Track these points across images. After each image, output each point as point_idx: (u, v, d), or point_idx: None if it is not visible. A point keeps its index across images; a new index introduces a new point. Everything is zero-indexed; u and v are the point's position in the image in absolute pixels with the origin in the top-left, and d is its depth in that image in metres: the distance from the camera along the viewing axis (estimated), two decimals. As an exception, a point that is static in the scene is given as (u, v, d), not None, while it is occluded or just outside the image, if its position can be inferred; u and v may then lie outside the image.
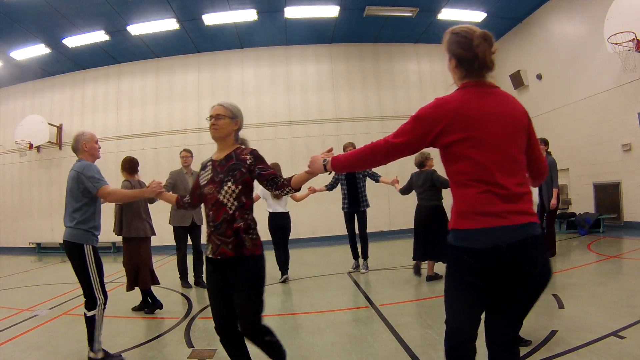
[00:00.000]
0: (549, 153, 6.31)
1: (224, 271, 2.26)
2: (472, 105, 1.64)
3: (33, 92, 12.45)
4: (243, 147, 2.45)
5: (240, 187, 2.27)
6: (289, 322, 4.04)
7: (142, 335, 3.77)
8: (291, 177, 2.35)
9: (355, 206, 6.37)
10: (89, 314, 3.06)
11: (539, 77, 10.44)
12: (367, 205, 6.42)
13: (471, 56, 1.67)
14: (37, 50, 10.53)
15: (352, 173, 6.45)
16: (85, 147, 3.24)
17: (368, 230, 6.49)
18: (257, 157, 2.36)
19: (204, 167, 2.49)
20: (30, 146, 11.69)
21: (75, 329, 4.03)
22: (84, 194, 3.08)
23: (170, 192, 2.74)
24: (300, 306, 4.66)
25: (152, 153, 11.48)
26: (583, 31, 8.94)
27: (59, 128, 12.04)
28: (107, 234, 9.56)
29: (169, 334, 3.76)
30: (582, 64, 9.01)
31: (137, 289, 4.60)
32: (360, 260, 6.48)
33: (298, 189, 2.39)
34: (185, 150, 6.17)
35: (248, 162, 2.32)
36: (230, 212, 2.25)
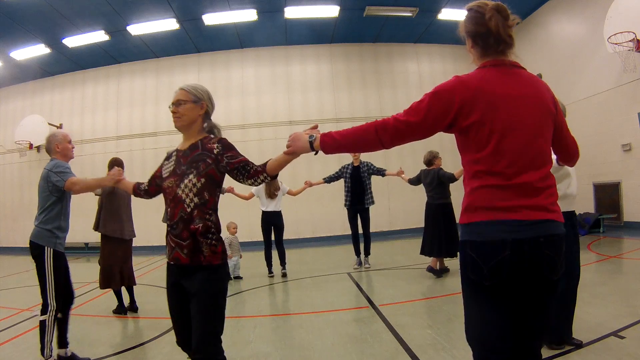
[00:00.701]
0: None
1: (179, 279, 1.96)
2: (494, 85, 1.44)
3: (33, 92, 12.45)
4: (212, 136, 2.14)
5: (203, 180, 1.94)
6: (289, 322, 4.04)
7: (142, 335, 3.77)
8: (266, 162, 2.02)
9: (358, 204, 6.38)
10: (40, 318, 2.98)
11: (539, 77, 10.41)
12: (372, 203, 6.43)
13: (484, 31, 1.51)
14: (37, 50, 10.53)
15: (357, 170, 6.45)
16: (58, 148, 3.25)
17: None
18: (226, 145, 2.06)
19: (168, 157, 2.20)
20: (30, 146, 11.70)
21: (74, 329, 4.02)
22: (52, 192, 3.04)
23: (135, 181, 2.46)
24: (300, 306, 4.66)
25: (152, 153, 11.48)
26: (583, 31, 8.94)
27: (59, 128, 12.02)
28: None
29: (169, 334, 3.76)
30: (582, 64, 9.01)
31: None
32: (362, 256, 6.50)
33: (275, 176, 2.07)
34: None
35: (215, 151, 2.02)
36: (188, 210, 1.92)
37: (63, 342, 3.14)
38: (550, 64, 10.01)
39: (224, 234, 6.03)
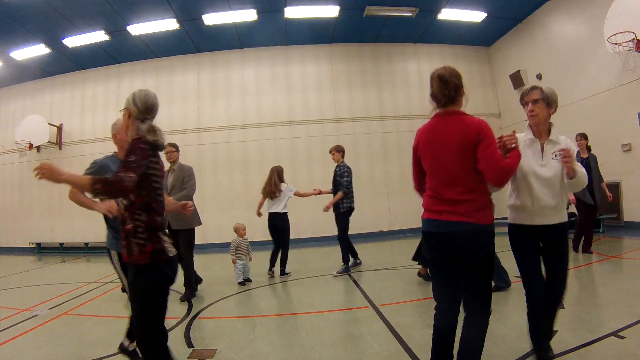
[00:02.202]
0: (588, 148, 6.48)
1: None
2: (427, 133, 2.28)
3: (33, 92, 12.46)
4: (141, 138, 2.13)
5: None
6: (289, 322, 4.04)
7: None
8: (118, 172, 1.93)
9: (334, 207, 6.41)
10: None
11: (539, 77, 10.44)
12: (342, 207, 6.33)
13: (431, 92, 2.28)
14: (37, 50, 10.53)
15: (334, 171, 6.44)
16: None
17: (368, 230, 6.51)
18: (129, 149, 2.05)
19: None
20: (30, 146, 11.70)
21: (75, 329, 4.03)
22: None
23: None
24: (300, 306, 4.66)
25: (152, 153, 11.49)
26: (583, 31, 8.94)
27: (59, 128, 12.04)
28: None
29: (169, 334, 3.76)
30: (582, 64, 9.01)
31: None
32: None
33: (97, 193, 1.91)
34: (169, 144, 5.50)
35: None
36: (122, 212, 2.07)
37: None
38: (550, 64, 10.01)
39: (232, 237, 6.01)
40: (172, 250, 2.15)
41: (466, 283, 2.15)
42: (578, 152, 6.32)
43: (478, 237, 2.09)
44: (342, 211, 6.28)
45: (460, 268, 2.14)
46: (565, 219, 2.56)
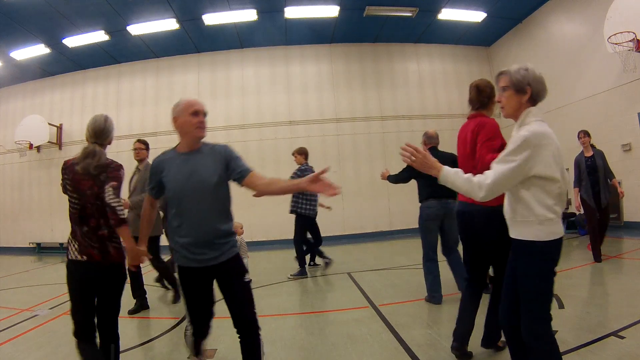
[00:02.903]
0: (592, 145, 6.07)
1: None
2: (459, 132, 2.97)
3: (33, 92, 12.45)
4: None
5: None
6: (289, 322, 4.04)
7: (142, 335, 3.77)
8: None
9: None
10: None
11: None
12: (292, 210, 6.27)
13: (469, 98, 2.93)
14: (37, 50, 10.53)
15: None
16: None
17: (368, 230, 6.48)
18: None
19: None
20: (30, 146, 11.70)
21: (75, 329, 4.03)
22: None
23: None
24: (300, 306, 4.66)
25: (152, 153, 11.45)
26: (583, 31, 8.94)
27: (59, 128, 12.04)
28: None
29: (169, 334, 3.76)
30: (582, 64, 9.01)
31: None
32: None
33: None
34: (138, 141, 4.96)
35: None
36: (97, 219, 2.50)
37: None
38: (550, 64, 10.00)
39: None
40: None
41: (464, 249, 2.94)
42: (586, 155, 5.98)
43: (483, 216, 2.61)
44: (300, 213, 6.20)
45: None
46: (529, 237, 1.91)
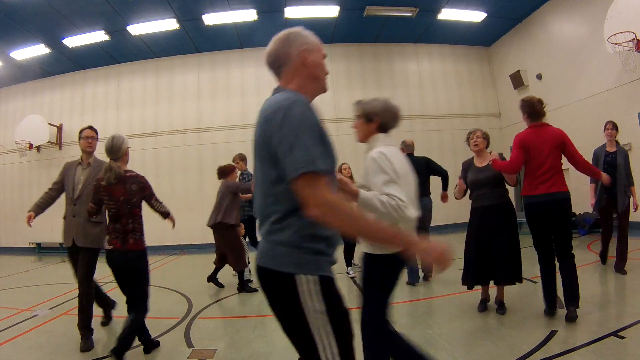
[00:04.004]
0: (617, 142, 5.31)
1: None
2: (531, 137, 3.52)
3: (33, 92, 12.45)
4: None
5: None
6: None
7: (142, 335, 3.76)
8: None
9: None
10: None
11: (539, 77, 10.44)
12: (244, 216, 6.10)
13: (529, 111, 3.58)
14: (37, 50, 10.53)
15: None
16: None
17: None
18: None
19: None
20: (30, 146, 11.70)
21: (75, 329, 4.02)
22: None
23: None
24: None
25: (152, 153, 11.49)
26: (583, 31, 8.94)
27: (59, 128, 12.04)
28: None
29: (169, 334, 3.76)
30: (582, 64, 9.01)
31: None
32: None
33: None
34: (89, 128, 4.21)
35: None
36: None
37: None
38: (550, 64, 10.00)
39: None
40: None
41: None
42: (602, 149, 5.25)
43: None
44: (247, 217, 6.11)
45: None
46: (364, 249, 2.15)
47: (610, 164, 4.99)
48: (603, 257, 5.35)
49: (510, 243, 3.64)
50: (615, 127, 5.18)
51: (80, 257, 3.60)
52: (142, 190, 3.20)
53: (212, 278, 5.72)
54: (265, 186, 1.35)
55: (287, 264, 1.31)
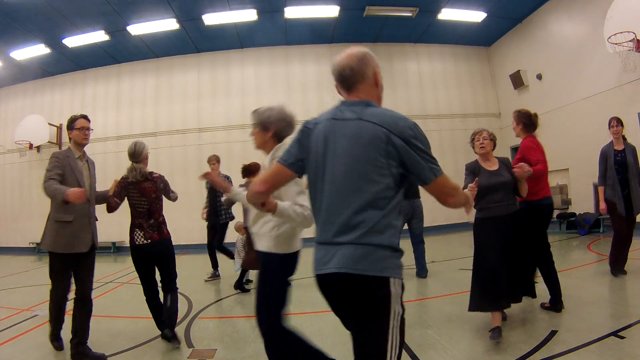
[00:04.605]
0: (624, 138, 4.90)
1: None
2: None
3: (33, 92, 12.45)
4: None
5: None
6: (289, 322, 4.03)
7: (142, 335, 3.77)
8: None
9: (215, 217, 6.22)
10: None
11: (539, 77, 10.44)
12: (230, 218, 6.18)
13: (529, 123, 3.83)
14: (37, 50, 10.53)
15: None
16: None
17: None
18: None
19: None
20: (30, 146, 11.70)
21: (75, 329, 4.02)
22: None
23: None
24: (300, 306, 4.66)
25: (152, 153, 11.37)
26: (583, 31, 8.94)
27: (59, 128, 12.03)
28: (107, 234, 9.62)
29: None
30: (582, 64, 9.01)
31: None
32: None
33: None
34: (82, 116, 3.51)
35: None
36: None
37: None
38: (550, 64, 10.00)
39: (236, 236, 5.98)
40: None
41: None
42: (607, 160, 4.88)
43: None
44: (222, 222, 6.20)
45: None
46: (263, 248, 2.25)
47: (621, 164, 4.65)
48: (618, 265, 4.56)
49: (526, 253, 3.37)
50: (620, 122, 4.78)
51: (89, 262, 3.50)
52: (166, 187, 3.65)
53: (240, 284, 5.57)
54: (367, 190, 1.42)
55: (385, 267, 1.40)
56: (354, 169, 1.45)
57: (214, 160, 6.36)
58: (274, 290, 2.21)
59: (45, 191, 3.15)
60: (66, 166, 3.38)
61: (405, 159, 1.43)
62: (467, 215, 3.05)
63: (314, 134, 1.57)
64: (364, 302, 1.42)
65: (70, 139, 3.50)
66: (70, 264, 3.42)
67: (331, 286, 1.48)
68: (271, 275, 2.22)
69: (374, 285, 1.39)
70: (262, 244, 2.24)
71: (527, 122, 3.78)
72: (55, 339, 3.47)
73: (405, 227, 5.63)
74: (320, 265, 1.47)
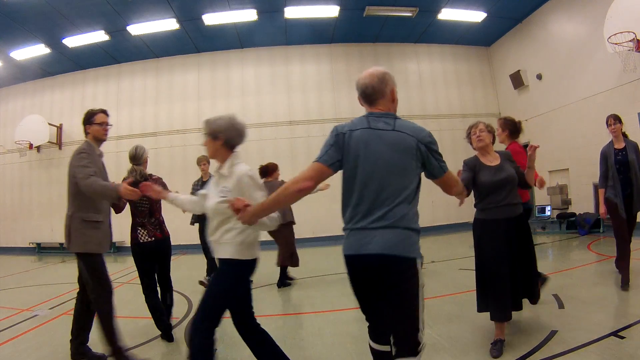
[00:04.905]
0: (625, 135, 4.51)
1: None
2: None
3: (33, 92, 12.45)
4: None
5: None
6: (290, 322, 4.04)
7: (142, 335, 3.77)
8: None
9: (202, 219, 5.84)
10: None
11: (539, 77, 10.44)
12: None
13: (515, 130, 3.97)
14: (37, 50, 10.52)
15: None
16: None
17: None
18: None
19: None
20: (30, 146, 11.70)
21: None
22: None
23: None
24: (300, 306, 4.67)
25: (152, 153, 11.36)
26: (583, 31, 8.94)
27: (59, 128, 12.03)
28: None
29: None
30: (582, 64, 9.01)
31: None
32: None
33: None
34: (102, 111, 3.47)
35: None
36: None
37: None
38: (550, 64, 10.00)
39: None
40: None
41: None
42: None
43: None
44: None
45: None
46: (226, 255, 2.28)
47: (622, 163, 4.31)
48: (624, 276, 4.16)
49: (532, 259, 3.15)
50: (617, 120, 4.42)
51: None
52: (164, 188, 3.52)
53: (283, 279, 5.72)
54: (403, 186, 1.82)
55: (414, 250, 1.80)
56: (393, 171, 1.81)
57: (205, 161, 6.03)
58: (221, 303, 2.29)
59: (91, 188, 2.84)
60: (95, 161, 3.14)
61: (425, 161, 1.86)
62: (459, 208, 3.14)
63: (352, 139, 1.86)
64: (398, 276, 1.77)
65: (86, 134, 3.25)
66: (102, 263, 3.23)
67: (370, 264, 1.79)
68: (229, 283, 2.31)
69: (406, 265, 1.78)
70: (225, 252, 2.28)
71: (513, 129, 3.93)
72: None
73: None
74: (359, 247, 1.79)
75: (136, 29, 10.02)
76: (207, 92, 11.70)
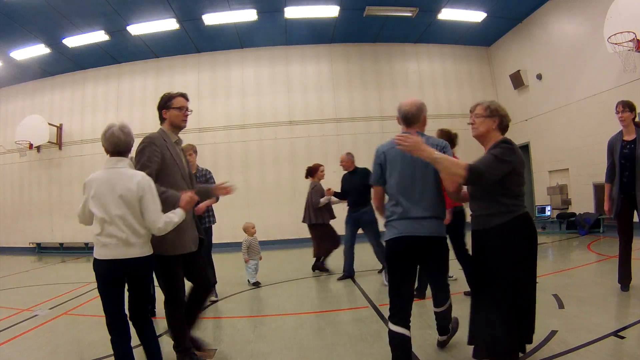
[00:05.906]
0: (636, 124, 3.85)
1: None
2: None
3: (33, 92, 12.45)
4: None
5: None
6: (289, 322, 4.04)
7: (142, 335, 3.77)
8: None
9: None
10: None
11: (539, 77, 10.44)
12: (213, 221, 5.18)
13: (450, 141, 3.64)
14: (37, 50, 10.53)
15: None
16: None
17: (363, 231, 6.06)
18: None
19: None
20: (30, 146, 11.69)
21: (75, 328, 4.03)
22: None
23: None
24: (300, 306, 4.66)
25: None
26: (583, 31, 8.94)
27: (59, 128, 12.03)
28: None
29: (168, 334, 3.75)
30: (582, 64, 9.01)
31: None
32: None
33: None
34: (182, 95, 2.99)
35: None
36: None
37: None
38: (550, 64, 10.01)
39: (242, 236, 5.98)
40: None
41: None
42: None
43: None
44: (206, 227, 4.92)
45: None
46: (146, 252, 2.60)
47: (628, 157, 3.74)
48: (625, 278, 3.94)
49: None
50: (628, 106, 3.76)
51: (200, 260, 3.07)
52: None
53: (321, 265, 6.46)
54: (434, 190, 2.54)
55: (444, 232, 2.61)
56: (429, 177, 2.51)
57: (191, 151, 4.92)
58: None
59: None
60: (165, 153, 2.82)
61: None
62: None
63: (391, 155, 2.56)
64: (438, 249, 2.58)
65: (162, 120, 2.94)
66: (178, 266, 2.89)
67: (421, 242, 2.48)
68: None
69: (442, 242, 2.60)
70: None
71: (448, 140, 3.66)
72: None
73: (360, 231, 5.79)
74: (414, 230, 2.46)
75: (136, 29, 10.02)
76: (207, 92, 11.69)
